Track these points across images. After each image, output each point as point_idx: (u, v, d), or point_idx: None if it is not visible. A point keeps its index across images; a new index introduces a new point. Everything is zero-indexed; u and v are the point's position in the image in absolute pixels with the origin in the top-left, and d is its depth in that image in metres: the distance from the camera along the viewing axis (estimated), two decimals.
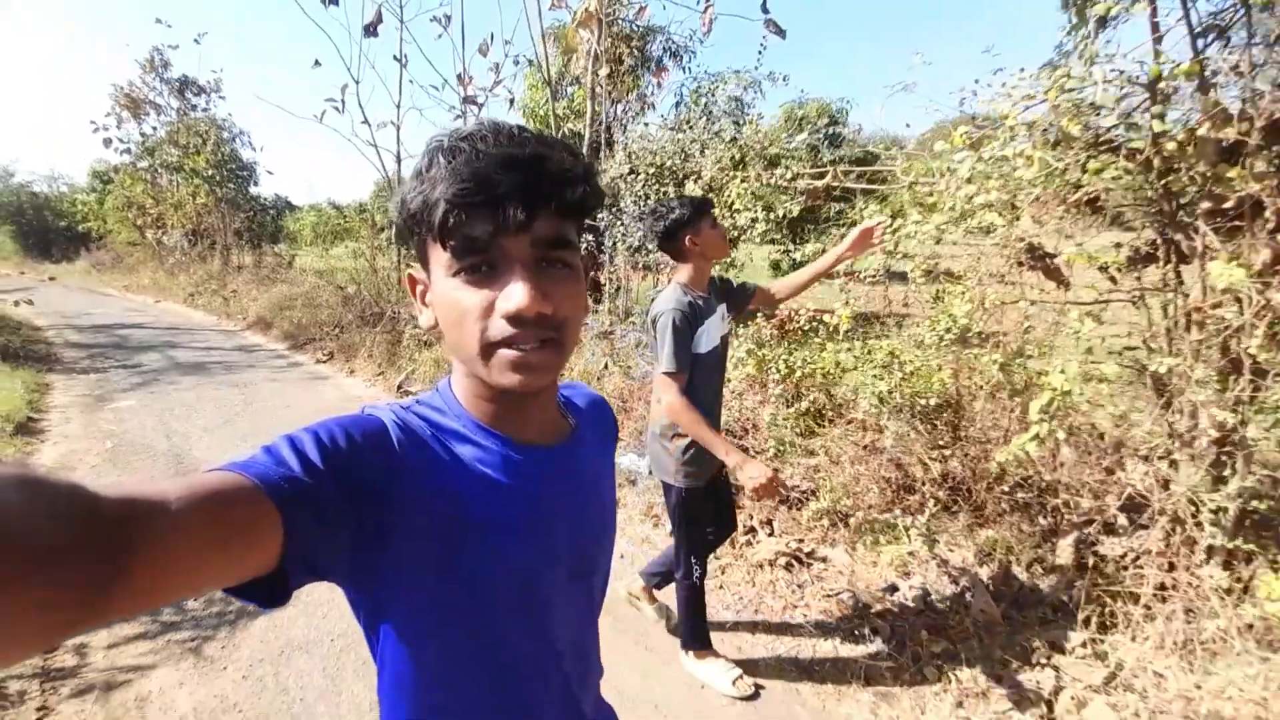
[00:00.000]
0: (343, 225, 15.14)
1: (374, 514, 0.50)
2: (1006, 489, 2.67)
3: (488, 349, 0.54)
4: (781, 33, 5.63)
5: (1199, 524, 2.03)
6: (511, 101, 7.41)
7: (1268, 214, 1.75)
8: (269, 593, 0.45)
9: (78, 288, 16.95)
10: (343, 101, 7.80)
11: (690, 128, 5.14)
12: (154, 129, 16.71)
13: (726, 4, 14.31)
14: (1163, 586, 2.11)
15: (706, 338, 1.95)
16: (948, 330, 2.53)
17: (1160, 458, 2.15)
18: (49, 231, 27.85)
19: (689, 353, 1.89)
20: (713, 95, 6.54)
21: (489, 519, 0.57)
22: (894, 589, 2.52)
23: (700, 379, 1.95)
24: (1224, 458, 2.04)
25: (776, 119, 10.20)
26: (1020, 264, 2.16)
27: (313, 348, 8.01)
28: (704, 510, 2.09)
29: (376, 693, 0.63)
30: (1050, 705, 1.95)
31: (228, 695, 2.11)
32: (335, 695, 2.11)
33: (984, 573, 2.49)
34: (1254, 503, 1.98)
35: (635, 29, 8.32)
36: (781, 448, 3.44)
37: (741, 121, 5.23)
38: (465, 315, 0.54)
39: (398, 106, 8.40)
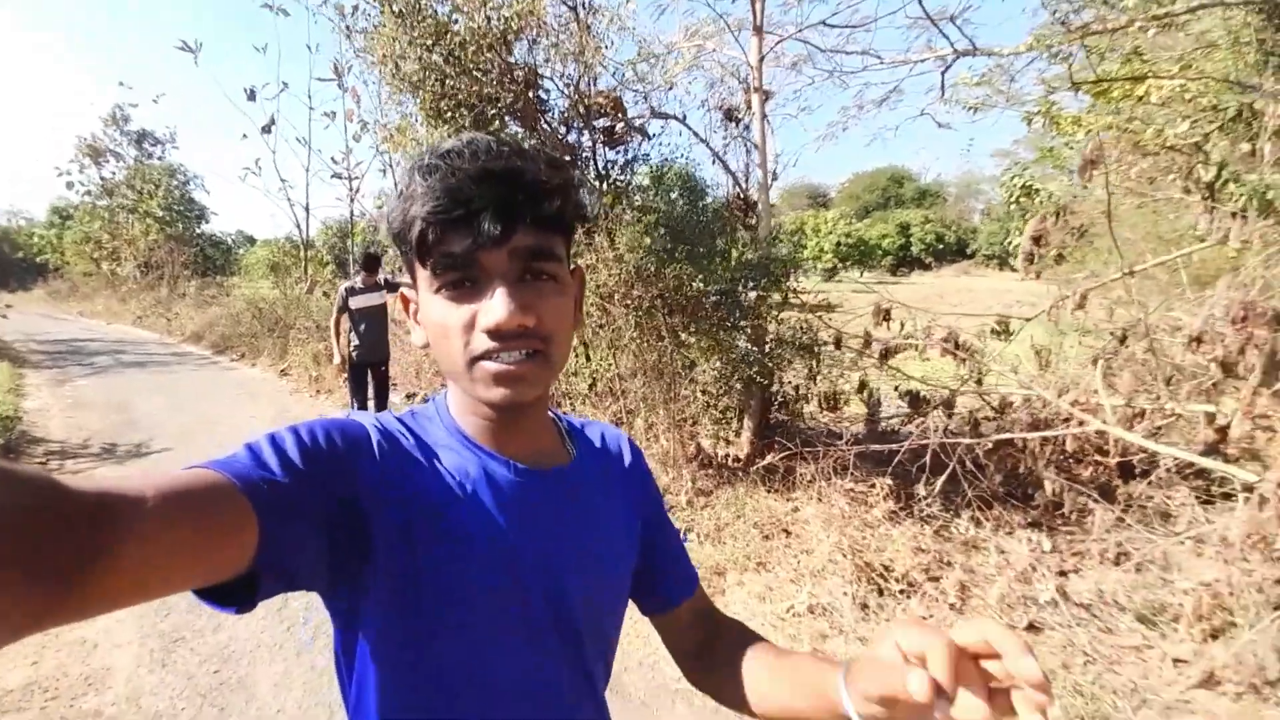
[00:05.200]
0: (286, 260, 17.62)
1: (348, 519, 0.50)
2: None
3: (471, 363, 0.53)
4: None
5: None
6: (384, 171, 10.18)
7: None
8: (236, 596, 0.44)
9: (35, 313, 18.83)
10: (259, 169, 10.48)
11: None
12: (113, 174, 19.11)
13: None
14: None
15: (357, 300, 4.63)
16: None
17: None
18: (5, 262, 29.43)
19: (344, 302, 4.58)
20: None
21: (464, 530, 0.55)
22: None
23: (359, 318, 4.64)
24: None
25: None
26: None
27: (231, 352, 10.44)
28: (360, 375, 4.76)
29: (342, 698, 0.60)
30: None
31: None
32: None
33: None
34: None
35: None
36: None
37: None
38: (449, 331, 0.54)
39: (306, 169, 11.13)
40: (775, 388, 4.08)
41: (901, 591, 2.68)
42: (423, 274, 0.54)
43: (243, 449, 0.47)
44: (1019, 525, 3.18)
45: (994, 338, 3.96)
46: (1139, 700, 2.18)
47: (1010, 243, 9.63)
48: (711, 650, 0.72)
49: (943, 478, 3.16)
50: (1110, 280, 3.45)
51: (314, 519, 0.47)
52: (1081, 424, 3.06)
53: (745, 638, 0.70)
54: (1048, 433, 3.17)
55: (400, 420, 0.60)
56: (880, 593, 2.70)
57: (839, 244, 36.29)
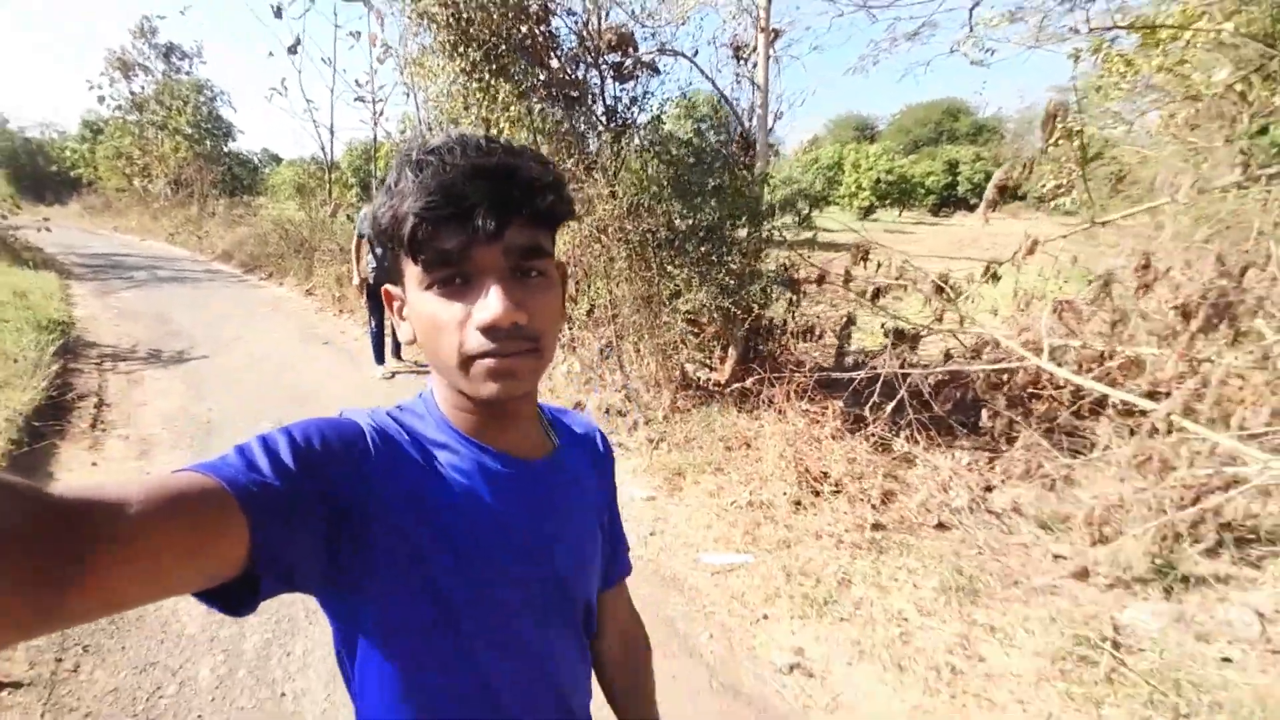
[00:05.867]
0: (311, 182, 17.91)
1: (346, 520, 0.50)
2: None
3: (466, 361, 0.54)
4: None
5: None
6: (407, 96, 10.26)
7: None
8: (237, 599, 0.44)
9: (73, 228, 19.50)
10: (285, 89, 10.64)
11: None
12: (142, 88, 19.26)
13: None
14: None
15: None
16: None
17: None
18: (42, 176, 30.10)
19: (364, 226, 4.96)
20: None
21: (461, 526, 0.56)
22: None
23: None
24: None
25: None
26: None
27: (259, 271, 10.98)
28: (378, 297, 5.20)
29: (345, 686, 0.62)
30: None
31: None
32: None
33: None
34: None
35: None
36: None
37: None
38: (441, 328, 0.54)
39: (331, 91, 11.24)
40: (763, 319, 4.42)
41: (833, 492, 3.10)
42: (412, 270, 0.55)
43: (233, 451, 0.47)
44: (962, 448, 3.56)
45: (982, 281, 4.20)
46: (1011, 582, 2.60)
47: (1043, 185, 9.35)
48: (611, 665, 0.82)
49: (892, 404, 3.53)
50: (1080, 229, 3.65)
51: (307, 520, 0.47)
52: (1021, 360, 3.37)
53: (634, 678, 0.84)
54: (987, 366, 3.49)
55: (392, 417, 0.61)
56: (816, 494, 3.13)
57: (878, 181, 34.90)
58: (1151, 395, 3.33)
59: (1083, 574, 2.69)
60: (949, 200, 38.80)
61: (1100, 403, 3.57)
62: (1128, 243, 4.20)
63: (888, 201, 35.87)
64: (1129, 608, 2.53)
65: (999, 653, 2.25)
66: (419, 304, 0.56)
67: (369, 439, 0.55)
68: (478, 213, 0.51)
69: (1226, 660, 2.24)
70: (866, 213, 33.47)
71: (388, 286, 0.62)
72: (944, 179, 38.22)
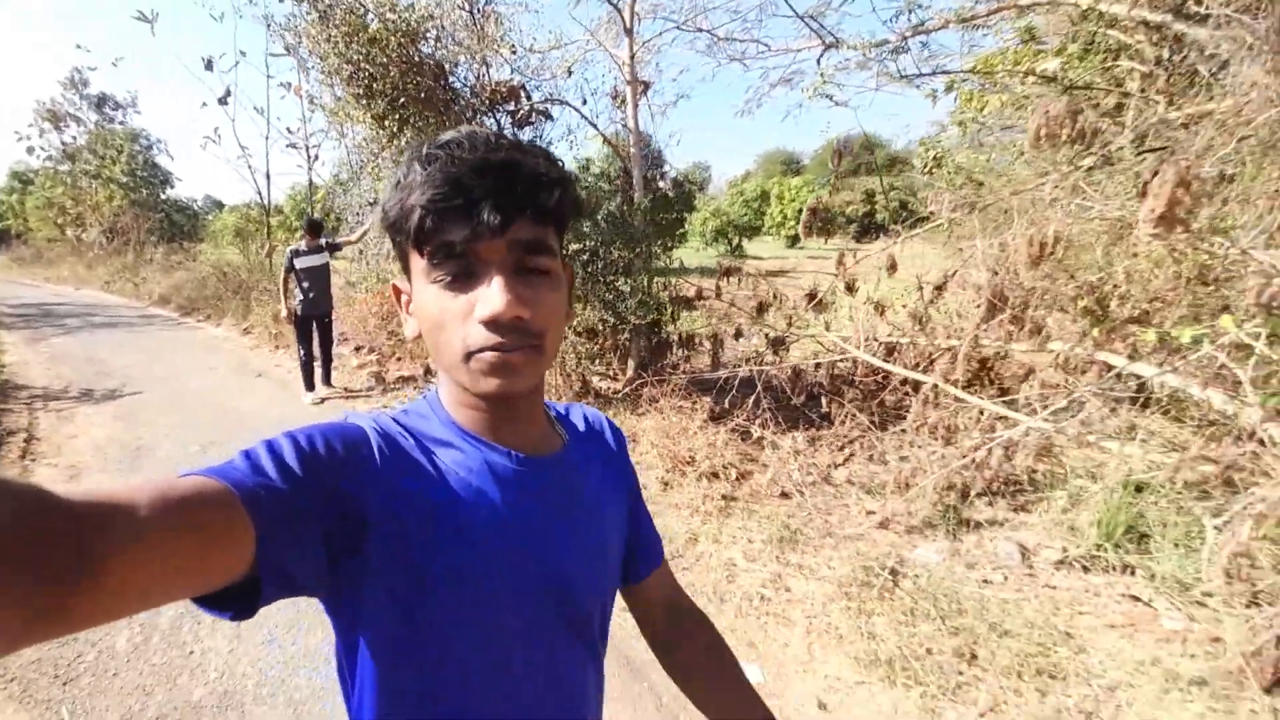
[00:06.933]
0: (251, 226, 17.99)
1: (348, 524, 0.50)
2: None
3: (467, 355, 0.54)
4: None
5: None
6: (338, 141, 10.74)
7: None
8: (238, 603, 0.45)
9: (0, 279, 19.02)
10: (219, 137, 10.97)
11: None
12: (74, 138, 19.13)
13: None
14: None
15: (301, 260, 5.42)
16: None
17: None
18: None
19: (290, 263, 5.37)
20: None
21: (470, 526, 0.56)
22: None
23: (304, 277, 5.42)
24: None
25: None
26: None
27: (197, 314, 11.10)
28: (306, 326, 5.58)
29: (344, 701, 0.60)
30: None
31: None
32: None
33: None
34: None
35: None
36: None
37: None
38: (444, 322, 0.54)
39: (265, 138, 11.61)
40: (658, 333, 4.99)
41: (695, 474, 3.65)
42: (419, 264, 0.55)
43: (239, 456, 0.47)
44: (807, 432, 4.17)
45: (829, 293, 4.90)
46: (827, 533, 3.17)
47: (927, 213, 10.47)
48: (679, 650, 0.80)
49: (752, 398, 4.13)
50: (882, 250, 4.39)
51: (313, 525, 0.48)
52: (846, 354, 4.02)
53: (709, 655, 0.79)
54: (816, 360, 4.13)
55: (396, 420, 0.61)
56: (682, 475, 3.67)
57: (800, 211, 36.59)
58: (969, 379, 4.02)
59: (885, 524, 3.28)
60: (869, 228, 41.03)
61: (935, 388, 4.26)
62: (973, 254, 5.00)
63: (812, 231, 37.54)
64: (919, 547, 3.13)
65: (802, 584, 2.79)
66: (424, 298, 0.56)
67: (373, 443, 0.55)
68: (483, 206, 0.51)
69: (986, 582, 2.83)
70: (793, 241, 35.18)
71: (396, 282, 0.63)
72: (863, 208, 40.57)
